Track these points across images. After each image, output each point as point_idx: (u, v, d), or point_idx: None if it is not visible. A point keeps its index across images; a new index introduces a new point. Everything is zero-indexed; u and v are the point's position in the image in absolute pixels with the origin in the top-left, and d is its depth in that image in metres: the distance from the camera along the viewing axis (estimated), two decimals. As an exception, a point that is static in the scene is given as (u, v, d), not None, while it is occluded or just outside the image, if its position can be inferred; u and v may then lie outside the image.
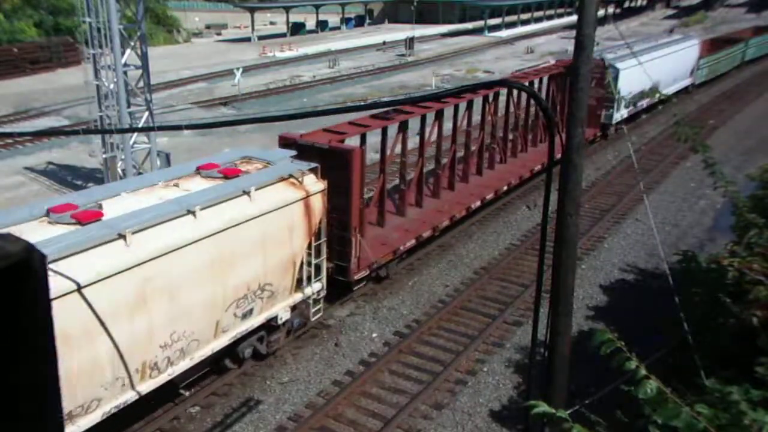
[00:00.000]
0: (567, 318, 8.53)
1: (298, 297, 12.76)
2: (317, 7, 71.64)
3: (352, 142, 15.84)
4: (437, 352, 13.44)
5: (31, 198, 20.42)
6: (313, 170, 12.57)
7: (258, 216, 11.13)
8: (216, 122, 13.40)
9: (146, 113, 20.63)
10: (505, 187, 20.71)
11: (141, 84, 20.47)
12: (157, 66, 27.57)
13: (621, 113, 28.01)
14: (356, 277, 14.53)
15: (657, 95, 29.16)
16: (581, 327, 14.09)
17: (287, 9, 68.78)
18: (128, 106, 19.86)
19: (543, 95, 22.98)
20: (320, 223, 12.82)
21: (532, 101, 23.28)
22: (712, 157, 7.34)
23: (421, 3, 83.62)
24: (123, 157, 20.25)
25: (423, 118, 18.05)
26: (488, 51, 59.31)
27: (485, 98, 20.33)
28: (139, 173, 20.71)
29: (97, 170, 22.95)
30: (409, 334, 13.98)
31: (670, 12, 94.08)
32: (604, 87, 24.94)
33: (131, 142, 20.40)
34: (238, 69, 37.65)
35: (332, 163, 13.42)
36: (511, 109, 22.41)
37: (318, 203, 12.54)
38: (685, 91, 35.80)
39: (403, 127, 16.97)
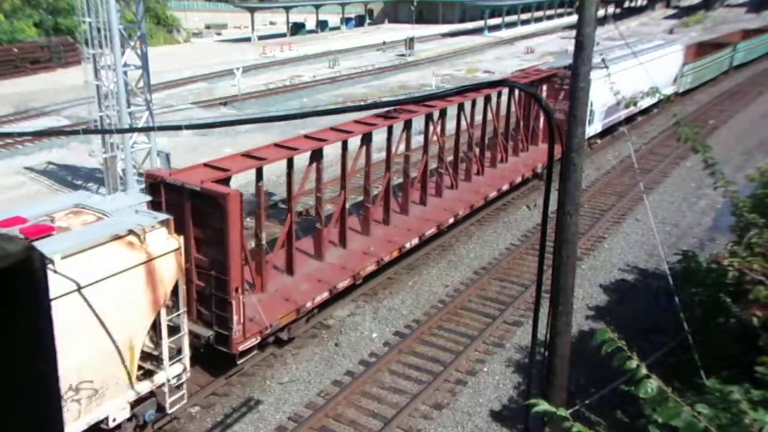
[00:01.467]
0: (567, 318, 8.53)
1: (143, 388, 10.08)
2: (317, 7, 71.65)
3: (303, 158, 14.32)
4: (437, 352, 13.44)
5: (31, 198, 20.42)
6: (164, 223, 9.99)
7: (63, 295, 8.35)
8: (216, 122, 13.41)
9: (146, 113, 20.63)
10: (461, 213, 18.12)
11: (141, 84, 20.48)
12: (157, 66, 27.55)
13: (595, 127, 25.67)
14: (241, 348, 11.76)
15: (654, 97, 28.42)
16: (581, 327, 14.09)
17: (287, 9, 68.79)
18: (128, 106, 19.87)
19: (518, 104, 21.86)
20: (175, 289, 10.18)
21: (525, 105, 22.58)
22: (712, 157, 7.34)
23: (421, 3, 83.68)
24: (123, 157, 20.25)
25: (389, 130, 16.24)
26: (488, 51, 59.31)
27: (460, 106, 18.69)
28: (140, 174, 20.74)
29: (97, 170, 22.94)
30: (409, 334, 13.97)
31: (670, 12, 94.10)
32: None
33: (131, 142, 20.40)
34: (238, 69, 37.66)
35: (206, 208, 11.38)
36: (490, 116, 20.64)
37: (169, 266, 9.87)
38: (667, 100, 35.08)
39: (360, 143, 15.18)
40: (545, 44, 61.65)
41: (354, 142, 15.13)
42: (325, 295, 13.69)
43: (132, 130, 20.07)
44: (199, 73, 44.16)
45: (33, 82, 41.40)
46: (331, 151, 17.05)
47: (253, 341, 12.07)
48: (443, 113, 17.85)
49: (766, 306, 7.18)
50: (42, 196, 20.55)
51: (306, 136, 14.64)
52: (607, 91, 24.45)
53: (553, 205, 8.21)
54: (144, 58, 20.10)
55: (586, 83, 7.87)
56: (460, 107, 18.84)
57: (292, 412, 11.71)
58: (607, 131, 27.54)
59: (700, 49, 40.16)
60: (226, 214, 11.06)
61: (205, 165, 12.55)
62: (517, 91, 21.08)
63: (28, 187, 22.54)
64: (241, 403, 11.95)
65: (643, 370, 3.65)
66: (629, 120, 29.77)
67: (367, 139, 15.34)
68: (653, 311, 14.15)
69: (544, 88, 23.10)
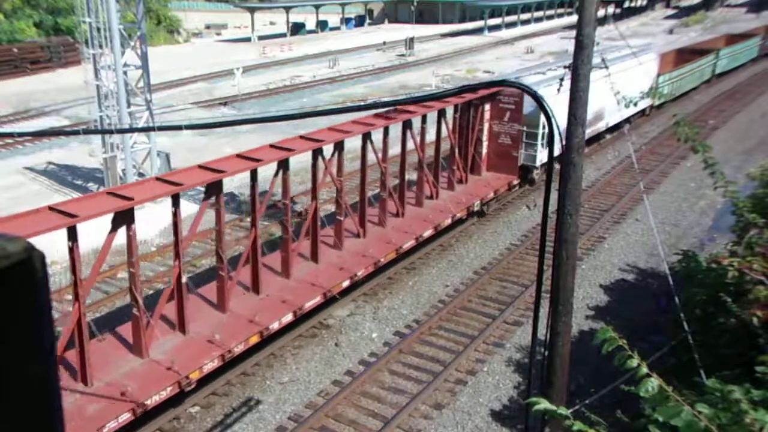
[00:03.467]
0: (567, 318, 8.53)
1: None
2: (317, 7, 71.63)
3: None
4: (437, 352, 13.44)
5: (31, 198, 20.42)
6: None
7: None
8: (216, 122, 13.41)
9: (146, 113, 20.65)
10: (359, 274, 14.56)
11: (141, 84, 20.49)
12: (157, 66, 27.57)
13: (558, 150, 24.23)
14: None
15: (627, 109, 25.55)
16: (581, 327, 14.09)
17: (287, 9, 68.78)
18: (128, 106, 19.88)
19: (450, 127, 18.77)
20: None
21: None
22: (712, 157, 7.33)
23: (421, 3, 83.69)
24: (123, 157, 20.26)
25: (314, 154, 13.84)
26: (488, 51, 59.30)
27: (404, 124, 16.38)
28: (140, 174, 20.74)
29: (97, 170, 22.95)
30: (409, 334, 13.97)
31: (670, 12, 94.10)
32: (520, 120, 19.96)
33: (131, 142, 20.41)
34: (238, 69, 37.65)
35: None
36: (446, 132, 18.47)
37: None
38: (641, 114, 30.84)
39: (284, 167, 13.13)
40: (545, 44, 61.63)
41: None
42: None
43: (132, 130, 20.07)
44: (199, 73, 44.16)
45: (33, 82, 41.40)
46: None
47: None
48: (386, 132, 15.93)
49: (766, 306, 7.18)
50: (42, 196, 20.56)
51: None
52: (563, 110, 22.29)
53: (553, 205, 8.22)
54: (144, 58, 20.11)
55: (586, 83, 7.87)
56: (405, 125, 16.40)
57: (292, 412, 11.71)
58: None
59: (680, 57, 36.82)
60: None
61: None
62: (451, 112, 18.48)
63: (28, 187, 22.54)
64: (241, 403, 11.95)
65: (644, 369, 3.65)
66: (597, 138, 26.67)
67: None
68: (653, 311, 14.15)
69: (487, 107, 20.02)
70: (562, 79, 9.75)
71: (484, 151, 20.72)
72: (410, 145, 16.95)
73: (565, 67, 8.45)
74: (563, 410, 3.91)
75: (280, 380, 12.57)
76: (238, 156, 12.78)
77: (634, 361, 3.71)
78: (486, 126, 20.32)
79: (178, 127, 21.68)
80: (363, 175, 15.84)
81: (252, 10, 66.86)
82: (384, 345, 13.76)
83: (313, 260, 14.62)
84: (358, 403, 11.90)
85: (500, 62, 50.74)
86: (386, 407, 11.76)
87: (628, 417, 8.16)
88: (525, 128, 20.21)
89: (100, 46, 19.07)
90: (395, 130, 16.64)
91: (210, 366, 11.20)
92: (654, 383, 3.58)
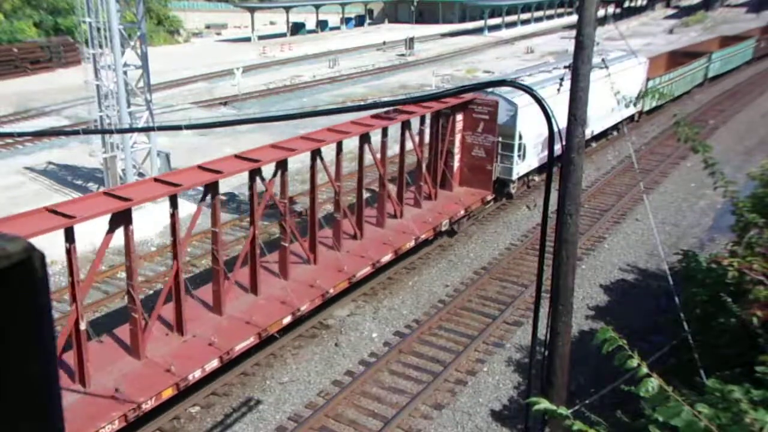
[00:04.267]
0: (567, 318, 8.53)
1: None
2: (317, 7, 71.64)
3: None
4: (437, 352, 13.44)
5: (31, 198, 20.43)
6: None
7: None
8: (216, 122, 13.40)
9: (146, 113, 20.65)
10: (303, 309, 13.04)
11: (141, 84, 20.49)
12: (157, 66, 27.57)
13: (528, 163, 20.55)
14: None
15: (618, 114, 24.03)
16: (581, 327, 14.09)
17: (287, 9, 68.79)
18: (128, 106, 19.88)
19: (427, 137, 18.14)
20: None
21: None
22: (712, 157, 7.34)
23: (421, 3, 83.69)
24: (123, 157, 20.27)
25: (251, 176, 12.57)
26: (488, 51, 59.30)
27: (361, 138, 15.00)
28: (140, 174, 20.75)
29: (97, 170, 22.95)
30: (409, 334, 13.97)
31: (671, 12, 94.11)
32: (495, 131, 18.55)
33: (131, 142, 20.41)
34: (238, 69, 37.66)
35: None
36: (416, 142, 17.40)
37: None
38: (630, 120, 29.62)
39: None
40: (545, 44, 61.63)
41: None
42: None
43: (132, 130, 20.08)
44: (199, 73, 44.17)
45: (33, 82, 41.40)
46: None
47: None
48: (339, 146, 14.54)
49: (766, 306, 7.18)
50: (42, 196, 20.56)
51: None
52: (541, 120, 20.68)
53: (553, 205, 8.22)
54: (144, 58, 20.11)
55: (586, 83, 7.87)
56: (362, 141, 15.02)
57: (292, 412, 11.71)
58: (544, 167, 22.69)
59: (671, 60, 35.78)
60: None
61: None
62: (418, 122, 17.35)
63: (28, 187, 22.54)
64: (241, 403, 11.95)
65: (644, 369, 3.65)
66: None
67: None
68: (653, 311, 14.15)
69: (459, 117, 18.64)
70: (562, 79, 9.72)
71: (456, 164, 19.24)
72: (370, 159, 15.64)
73: (565, 67, 8.45)
74: (563, 410, 3.91)
75: (280, 380, 12.57)
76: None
77: (634, 361, 3.71)
78: (458, 137, 18.88)
79: (178, 127, 21.66)
80: (313, 196, 14.13)
81: (252, 10, 66.86)
82: (384, 345, 13.76)
83: (253, 292, 13.16)
84: (358, 403, 11.90)
85: (500, 62, 50.73)
86: (386, 407, 11.76)
87: (628, 417, 8.17)
88: (500, 139, 18.87)
89: (100, 46, 19.07)
90: (353, 143, 15.53)
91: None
92: (654, 383, 3.58)
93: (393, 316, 14.91)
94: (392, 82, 42.50)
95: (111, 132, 19.63)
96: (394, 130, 16.53)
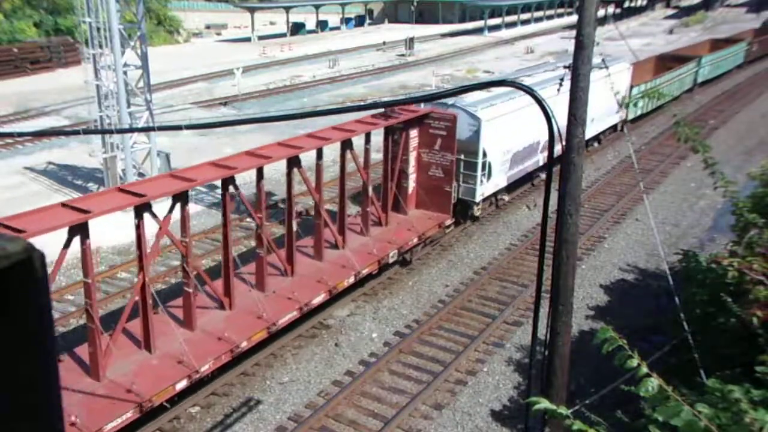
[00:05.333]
0: (567, 318, 8.53)
1: None
2: (317, 7, 71.64)
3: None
4: (437, 352, 13.44)
5: (31, 198, 20.43)
6: None
7: None
8: (216, 122, 13.42)
9: (146, 113, 20.65)
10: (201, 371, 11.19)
11: (141, 84, 20.50)
12: (157, 66, 27.56)
13: (495, 182, 18.73)
14: None
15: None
16: (581, 327, 14.09)
17: (287, 9, 68.79)
18: (128, 106, 19.88)
19: (381, 153, 16.61)
20: None
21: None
22: (712, 157, 7.34)
23: (421, 3, 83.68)
24: (123, 157, 20.27)
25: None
26: (488, 51, 59.30)
27: (290, 162, 13.28)
28: (140, 174, 20.75)
29: (97, 170, 22.95)
30: (409, 334, 13.97)
31: (670, 12, 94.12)
32: (453, 148, 16.79)
33: (131, 142, 20.42)
34: (238, 69, 37.66)
35: None
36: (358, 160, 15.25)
37: None
38: (613, 130, 28.08)
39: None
40: (545, 44, 61.63)
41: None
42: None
43: (132, 130, 20.08)
44: (199, 73, 44.17)
45: (33, 82, 41.39)
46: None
47: None
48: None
49: (766, 306, 7.18)
50: (42, 196, 20.57)
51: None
52: (508, 135, 18.24)
53: (553, 205, 8.22)
54: (144, 58, 20.12)
55: (586, 83, 7.87)
56: (290, 164, 13.29)
57: (292, 412, 11.71)
58: (523, 180, 21.25)
59: (660, 64, 34.49)
60: None
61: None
62: (364, 139, 15.41)
63: (28, 187, 22.54)
64: (241, 403, 11.95)
65: (644, 369, 3.66)
66: (559, 159, 23.37)
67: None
68: (653, 311, 14.16)
69: (414, 133, 16.94)
70: (562, 79, 9.72)
71: (412, 185, 17.47)
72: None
73: (564, 67, 8.45)
74: (563, 409, 3.92)
75: (280, 380, 12.57)
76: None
77: (634, 361, 3.71)
78: (413, 155, 17.20)
79: (178, 127, 21.66)
80: (226, 234, 12.37)
81: (252, 10, 66.87)
82: (384, 345, 13.76)
83: (147, 349, 11.55)
84: (358, 403, 11.90)
85: (500, 62, 50.74)
86: (386, 407, 11.77)
87: (628, 417, 8.17)
88: (462, 157, 17.37)
89: (100, 46, 19.07)
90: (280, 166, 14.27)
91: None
92: (654, 383, 3.58)
93: (393, 316, 14.91)
94: (392, 82, 42.50)
95: (111, 132, 19.63)
96: (333, 148, 15.49)
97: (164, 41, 60.47)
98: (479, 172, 17.66)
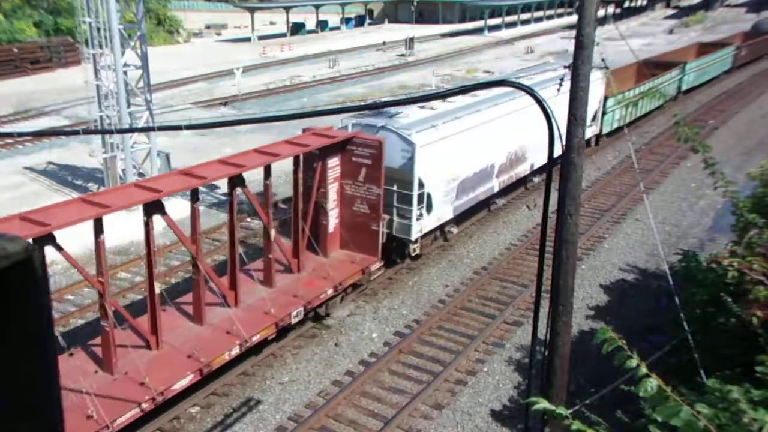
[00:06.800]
0: (567, 318, 8.53)
1: None
2: (317, 7, 71.64)
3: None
4: (437, 352, 13.45)
5: (31, 198, 20.43)
6: None
7: None
8: (216, 122, 13.39)
9: (146, 113, 20.66)
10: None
11: (141, 84, 20.50)
12: (157, 66, 27.56)
13: (437, 215, 16.44)
14: None
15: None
16: (581, 327, 14.09)
17: (287, 9, 68.80)
18: (128, 106, 19.89)
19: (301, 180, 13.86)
20: None
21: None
22: (712, 157, 7.34)
23: (421, 3, 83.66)
24: (123, 157, 20.27)
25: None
26: (488, 51, 59.29)
27: (193, 196, 11.62)
28: (140, 174, 20.75)
29: (97, 170, 22.95)
30: (409, 334, 13.97)
31: (671, 12, 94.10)
32: (379, 179, 14.40)
33: (131, 142, 20.42)
34: (238, 69, 37.65)
35: None
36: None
37: None
38: (586, 145, 23.39)
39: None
40: (545, 44, 61.62)
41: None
42: None
43: (132, 130, 20.09)
44: (199, 73, 44.17)
45: (33, 82, 41.40)
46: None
47: None
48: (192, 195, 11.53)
49: (766, 306, 7.18)
50: (42, 197, 20.57)
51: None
52: (463, 157, 16.53)
53: (553, 205, 8.22)
54: (144, 58, 20.12)
55: (586, 83, 7.87)
56: (193, 201, 11.56)
57: (292, 412, 11.71)
58: (474, 210, 18.95)
59: (642, 71, 32.07)
60: None
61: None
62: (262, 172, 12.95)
63: (28, 187, 22.54)
64: (241, 403, 11.95)
65: (643, 369, 3.66)
66: (521, 182, 21.34)
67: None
68: (653, 311, 14.16)
69: (333, 161, 14.49)
70: (562, 79, 9.70)
71: (333, 222, 15.02)
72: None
73: (564, 67, 8.44)
74: (562, 410, 3.92)
75: (280, 380, 12.57)
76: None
77: (634, 362, 3.71)
78: (334, 188, 14.77)
79: (178, 127, 21.65)
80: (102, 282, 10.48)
81: (252, 10, 66.87)
82: (384, 345, 13.77)
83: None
84: (358, 403, 11.91)
85: (500, 62, 50.73)
86: (386, 407, 11.77)
87: (628, 417, 8.17)
88: (396, 188, 15.16)
89: (100, 46, 19.07)
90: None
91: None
92: (653, 383, 3.58)
93: (393, 316, 14.91)
94: (392, 82, 42.50)
95: (111, 132, 19.64)
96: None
97: (164, 41, 60.46)
98: (414, 206, 15.30)
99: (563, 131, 7.81)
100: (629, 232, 19.36)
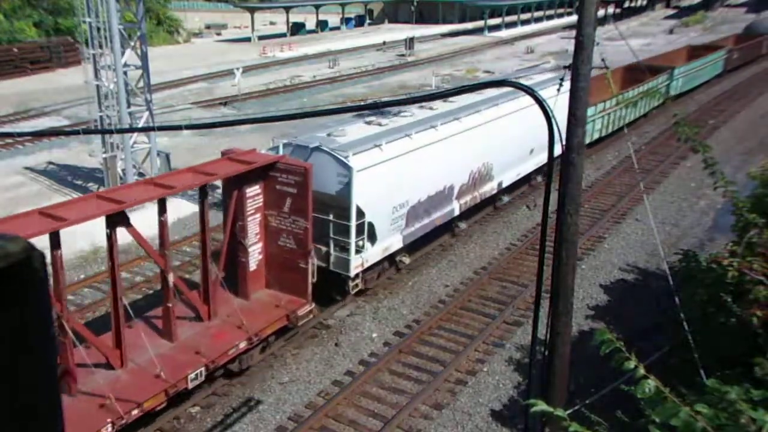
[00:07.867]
0: (567, 318, 8.53)
1: None
2: (317, 7, 71.64)
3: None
4: (437, 352, 13.45)
5: (31, 198, 20.43)
6: None
7: None
8: (216, 122, 13.41)
9: (146, 113, 20.66)
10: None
11: (141, 84, 20.50)
12: (157, 66, 27.56)
13: (383, 246, 14.89)
14: None
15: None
16: (581, 327, 14.09)
17: (287, 9, 68.80)
18: (128, 106, 19.89)
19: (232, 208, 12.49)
20: None
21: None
22: (712, 157, 7.35)
23: (421, 3, 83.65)
24: (123, 157, 20.27)
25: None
26: (488, 51, 59.28)
27: (115, 223, 10.22)
28: (140, 174, 20.75)
29: (97, 170, 22.95)
30: (409, 334, 13.97)
31: (670, 12, 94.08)
32: (306, 209, 12.57)
33: (131, 142, 20.42)
34: (238, 69, 37.65)
35: None
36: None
37: None
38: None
39: None
40: (545, 44, 61.61)
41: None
42: None
43: (132, 130, 20.09)
44: (199, 73, 44.16)
45: (33, 82, 41.38)
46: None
47: None
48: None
49: (766, 306, 7.19)
50: (42, 197, 20.56)
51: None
52: (412, 179, 14.85)
53: (553, 205, 8.22)
54: (144, 58, 20.12)
55: (586, 83, 7.87)
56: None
57: (292, 412, 11.71)
58: (433, 234, 17.24)
59: (627, 77, 30.33)
60: None
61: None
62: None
63: (28, 187, 22.54)
64: (241, 403, 11.96)
65: (641, 371, 3.66)
66: (489, 201, 19.69)
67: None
68: (653, 311, 14.16)
69: (253, 189, 12.66)
70: (562, 79, 9.68)
71: (255, 259, 13.16)
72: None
73: (564, 67, 8.44)
74: (560, 412, 3.91)
75: (280, 380, 12.57)
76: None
77: (632, 363, 3.71)
78: (256, 220, 12.95)
79: (178, 127, 21.67)
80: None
81: (252, 10, 66.86)
82: (384, 345, 13.77)
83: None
84: (358, 403, 11.91)
85: (500, 62, 50.73)
86: (386, 407, 11.77)
87: (628, 417, 8.17)
88: (332, 217, 13.63)
89: (100, 46, 19.08)
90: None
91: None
92: (651, 384, 3.58)
93: (393, 316, 14.91)
94: (392, 82, 42.49)
95: (111, 132, 19.64)
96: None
97: (164, 41, 60.45)
98: (353, 238, 13.62)
99: (556, 136, 7.80)
100: (629, 232, 19.35)
